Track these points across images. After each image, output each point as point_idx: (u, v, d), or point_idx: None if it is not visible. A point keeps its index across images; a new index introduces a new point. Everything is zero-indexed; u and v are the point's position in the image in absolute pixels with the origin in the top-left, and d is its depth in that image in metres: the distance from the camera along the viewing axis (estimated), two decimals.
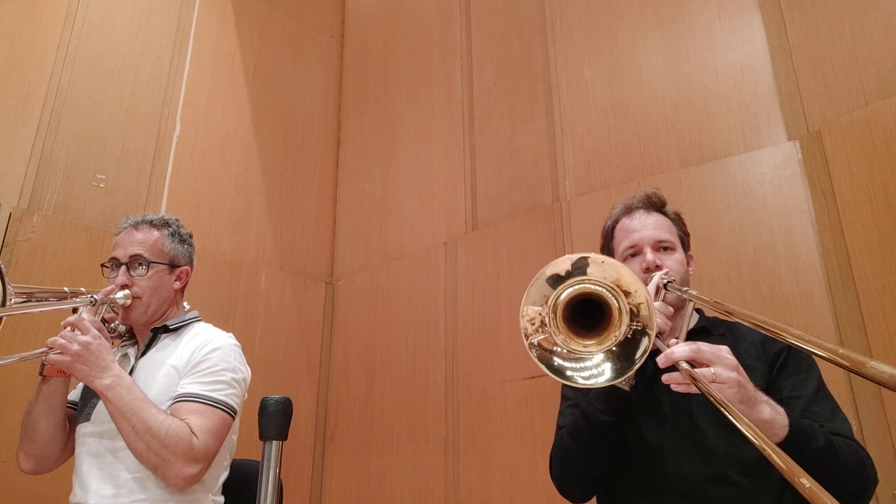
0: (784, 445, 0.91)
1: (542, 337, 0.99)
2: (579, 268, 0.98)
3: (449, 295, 2.53)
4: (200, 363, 1.38)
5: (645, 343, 0.95)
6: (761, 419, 0.91)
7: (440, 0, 3.03)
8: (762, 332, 0.77)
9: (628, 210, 1.33)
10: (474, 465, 2.24)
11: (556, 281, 0.99)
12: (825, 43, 1.83)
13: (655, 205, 1.32)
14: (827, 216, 1.71)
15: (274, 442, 0.85)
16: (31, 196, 2.19)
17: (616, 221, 1.34)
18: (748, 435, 0.71)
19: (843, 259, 1.65)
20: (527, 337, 1.00)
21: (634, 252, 1.27)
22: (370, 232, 3.01)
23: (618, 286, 0.97)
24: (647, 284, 1.16)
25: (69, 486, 1.37)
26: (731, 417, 0.76)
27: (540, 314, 1.00)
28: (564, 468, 1.19)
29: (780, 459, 0.63)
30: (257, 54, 3.05)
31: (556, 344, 0.99)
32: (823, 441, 0.95)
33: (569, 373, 0.98)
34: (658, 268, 1.22)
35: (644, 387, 1.15)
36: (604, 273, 0.98)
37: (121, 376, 1.29)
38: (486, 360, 2.31)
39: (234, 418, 1.38)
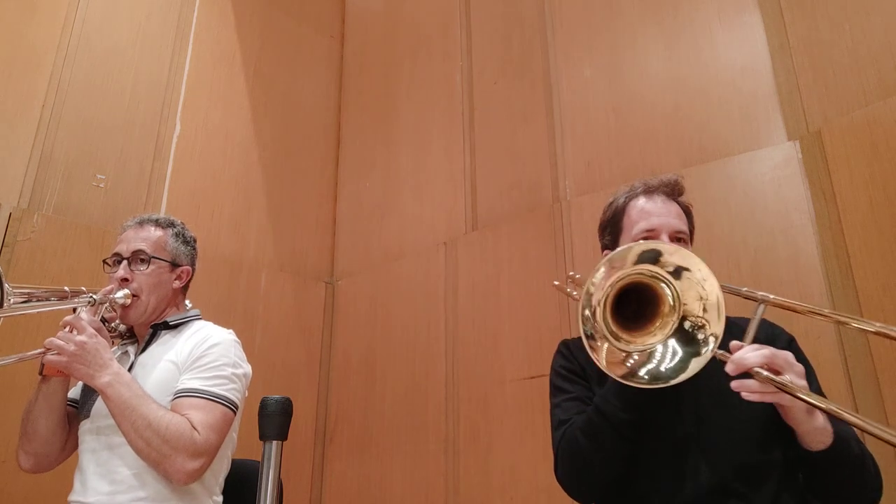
0: (829, 451, 0.92)
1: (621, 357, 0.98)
2: (672, 270, 0.97)
3: (449, 295, 2.53)
4: (200, 358, 1.37)
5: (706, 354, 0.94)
6: (816, 427, 0.92)
7: (440, 0, 3.03)
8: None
9: (649, 191, 1.26)
10: (474, 465, 2.24)
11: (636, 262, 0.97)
12: (825, 43, 1.83)
13: (676, 193, 1.27)
14: (827, 216, 1.70)
15: (274, 442, 0.85)
16: (31, 196, 2.19)
17: (632, 199, 1.27)
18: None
19: (843, 259, 1.65)
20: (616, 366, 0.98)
21: (650, 236, 1.21)
22: (370, 232, 3.01)
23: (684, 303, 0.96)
24: None
25: (70, 486, 1.37)
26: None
27: (600, 289, 0.97)
28: (575, 468, 1.12)
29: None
30: (257, 54, 3.05)
31: (622, 349, 0.98)
32: (857, 448, 0.96)
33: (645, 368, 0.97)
34: None
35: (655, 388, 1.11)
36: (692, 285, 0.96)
37: (119, 374, 1.29)
38: (486, 360, 2.31)
39: (235, 413, 1.38)
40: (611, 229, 1.30)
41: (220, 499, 1.41)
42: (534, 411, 2.11)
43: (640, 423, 1.06)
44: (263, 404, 0.87)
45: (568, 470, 1.13)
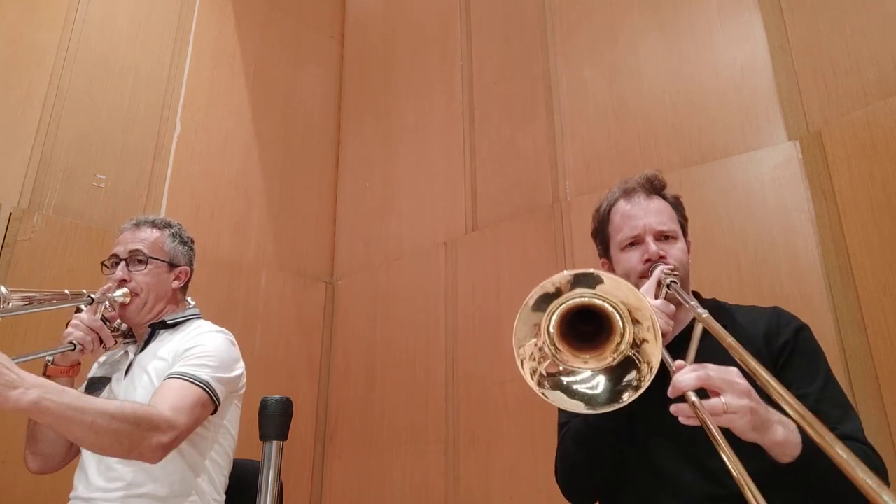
0: (797, 463, 0.88)
1: (546, 363, 0.93)
2: (583, 282, 0.90)
3: (449, 295, 2.53)
4: (188, 350, 1.38)
5: (634, 374, 0.89)
6: (775, 441, 0.87)
7: (440, 0, 3.03)
8: (753, 377, 0.75)
9: (627, 193, 1.24)
10: (474, 465, 2.24)
11: (545, 300, 0.92)
12: (825, 43, 1.83)
13: (656, 188, 1.25)
14: (827, 216, 1.70)
15: (274, 442, 0.85)
16: (31, 196, 2.19)
17: (613, 204, 1.26)
18: (740, 481, 0.71)
19: (843, 259, 1.65)
20: (534, 373, 0.92)
21: (635, 241, 1.20)
22: (370, 232, 3.01)
23: (628, 311, 0.90)
24: (647, 276, 1.13)
25: (70, 485, 1.37)
26: (727, 463, 0.75)
27: (535, 345, 0.93)
28: (569, 473, 1.16)
29: None
30: (257, 54, 3.05)
31: (558, 364, 0.93)
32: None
33: (575, 387, 0.92)
34: (661, 258, 1.16)
35: (648, 396, 1.11)
36: (617, 291, 0.90)
37: (44, 384, 1.11)
38: (486, 360, 2.31)
39: (211, 398, 1.33)
40: (600, 238, 1.30)
41: (221, 497, 1.41)
42: (534, 411, 2.11)
43: (625, 429, 1.08)
44: (263, 404, 0.87)
45: (563, 475, 1.17)
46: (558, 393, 0.92)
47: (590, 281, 0.90)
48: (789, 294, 1.70)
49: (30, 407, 1.06)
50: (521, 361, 0.92)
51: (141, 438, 1.18)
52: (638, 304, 0.89)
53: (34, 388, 1.07)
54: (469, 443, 2.28)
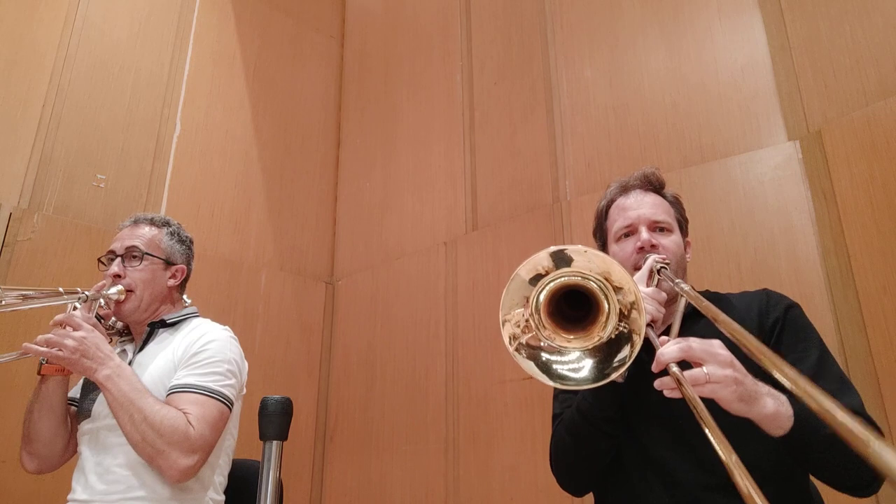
0: (790, 436, 0.87)
1: (529, 335, 0.94)
2: (561, 259, 0.91)
3: (449, 295, 2.53)
4: (196, 355, 1.37)
5: (626, 350, 0.89)
6: (764, 414, 0.85)
7: (440, 0, 3.03)
8: (743, 350, 0.71)
9: (624, 189, 1.25)
10: (474, 465, 2.24)
11: (535, 279, 0.93)
12: (825, 43, 1.83)
13: (653, 184, 1.25)
14: (827, 216, 1.71)
15: (274, 442, 0.85)
16: (31, 196, 2.19)
17: (611, 201, 1.27)
18: (722, 456, 0.67)
19: (843, 259, 1.65)
20: (514, 339, 0.93)
21: (629, 232, 1.20)
22: (370, 232, 3.01)
23: (606, 280, 0.90)
24: (640, 266, 1.13)
25: (69, 486, 1.37)
26: (709, 436, 0.71)
27: (523, 315, 0.94)
28: (563, 463, 1.17)
29: (749, 489, 0.59)
30: (257, 54, 3.05)
31: (541, 339, 0.94)
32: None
33: (555, 367, 0.93)
34: (654, 247, 1.16)
35: (639, 384, 1.08)
36: (590, 264, 0.91)
37: (121, 367, 1.29)
38: (486, 360, 2.31)
39: (230, 409, 1.37)
40: (599, 234, 1.31)
41: (221, 498, 1.41)
42: (534, 411, 2.11)
43: (618, 418, 1.08)
44: (264, 404, 0.87)
45: (557, 465, 1.18)
46: (532, 364, 0.93)
47: (564, 257, 0.91)
48: (789, 294, 1.69)
49: (101, 381, 1.27)
50: (504, 323, 0.94)
51: (161, 451, 1.22)
52: (609, 268, 0.89)
53: (110, 368, 1.28)
54: (469, 443, 2.28)
